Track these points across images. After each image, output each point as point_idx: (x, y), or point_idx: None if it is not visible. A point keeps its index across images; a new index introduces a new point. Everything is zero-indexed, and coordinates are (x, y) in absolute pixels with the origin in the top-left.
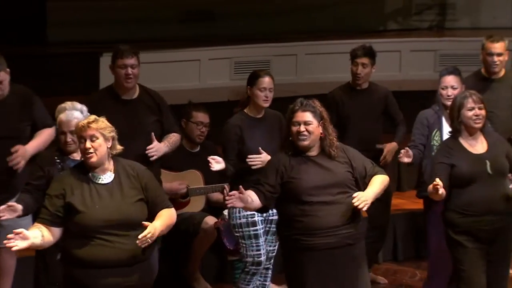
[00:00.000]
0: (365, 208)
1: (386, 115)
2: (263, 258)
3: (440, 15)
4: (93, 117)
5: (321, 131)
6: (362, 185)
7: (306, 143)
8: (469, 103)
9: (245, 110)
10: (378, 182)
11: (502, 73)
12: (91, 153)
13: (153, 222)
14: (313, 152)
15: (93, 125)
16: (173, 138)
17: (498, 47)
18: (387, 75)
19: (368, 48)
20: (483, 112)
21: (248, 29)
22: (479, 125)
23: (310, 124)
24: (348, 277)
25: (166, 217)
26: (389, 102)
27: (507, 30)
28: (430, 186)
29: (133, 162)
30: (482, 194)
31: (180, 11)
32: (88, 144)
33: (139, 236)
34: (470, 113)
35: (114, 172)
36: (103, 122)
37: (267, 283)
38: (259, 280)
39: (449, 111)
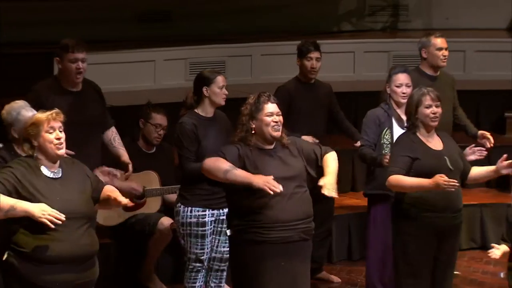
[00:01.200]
0: (336, 195)
1: (329, 111)
2: (205, 256)
3: (393, 16)
4: (54, 110)
5: None
6: (315, 169)
7: (279, 133)
8: (427, 100)
9: (195, 111)
10: (332, 162)
11: (439, 71)
12: (62, 143)
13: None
14: (271, 145)
15: (60, 115)
16: (118, 139)
17: (445, 42)
18: (341, 75)
19: (316, 42)
20: (439, 110)
21: (204, 29)
22: (436, 123)
23: (279, 115)
24: (301, 271)
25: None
26: (333, 97)
27: (458, 31)
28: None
29: (73, 159)
30: (442, 191)
31: (135, 11)
32: (60, 134)
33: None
34: (427, 111)
35: (61, 166)
36: (59, 112)
37: (222, 285)
38: (214, 282)
39: (406, 107)
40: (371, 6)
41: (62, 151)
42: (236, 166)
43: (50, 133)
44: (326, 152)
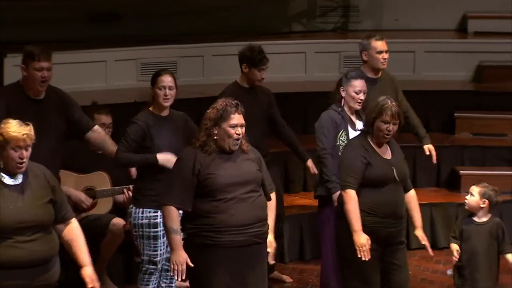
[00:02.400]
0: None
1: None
2: (159, 258)
3: (344, 17)
4: (28, 127)
5: None
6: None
7: (237, 147)
8: (387, 116)
9: (150, 109)
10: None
11: (380, 72)
12: (24, 162)
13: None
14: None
15: (31, 135)
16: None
17: (385, 44)
18: (292, 76)
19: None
20: (395, 128)
21: (155, 30)
22: (386, 140)
23: (243, 126)
24: (253, 276)
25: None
26: (274, 101)
27: (408, 32)
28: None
29: (37, 164)
30: (388, 197)
31: (86, 12)
32: (25, 153)
33: None
34: (383, 126)
35: (25, 173)
36: (31, 130)
37: (172, 285)
38: (165, 283)
39: (367, 113)
40: (322, 7)
41: (22, 170)
42: (190, 172)
43: (16, 151)
44: (270, 192)
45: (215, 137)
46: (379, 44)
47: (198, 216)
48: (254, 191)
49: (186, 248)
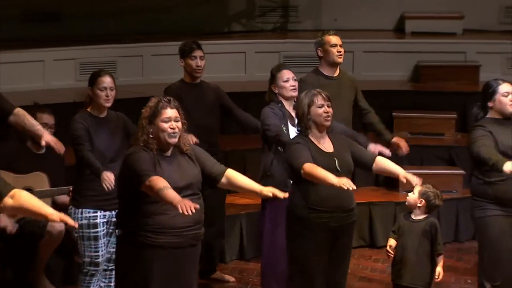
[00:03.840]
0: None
1: (222, 109)
2: (101, 259)
3: (283, 17)
4: None
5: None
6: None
7: (175, 140)
8: (319, 100)
9: (88, 110)
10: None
11: (337, 72)
12: None
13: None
14: (168, 152)
15: None
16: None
17: (338, 39)
18: (233, 76)
19: (197, 41)
20: (331, 110)
21: (94, 30)
22: (329, 123)
23: (178, 121)
24: (188, 277)
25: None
26: (223, 93)
27: (347, 32)
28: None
29: None
30: (332, 191)
31: (23, 11)
32: None
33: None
34: (320, 110)
35: None
36: None
37: (111, 285)
38: (104, 282)
39: (296, 109)
40: (261, 7)
41: None
42: (150, 156)
43: None
44: (224, 170)
45: (151, 135)
46: (333, 38)
47: (138, 215)
48: (194, 194)
49: (123, 246)
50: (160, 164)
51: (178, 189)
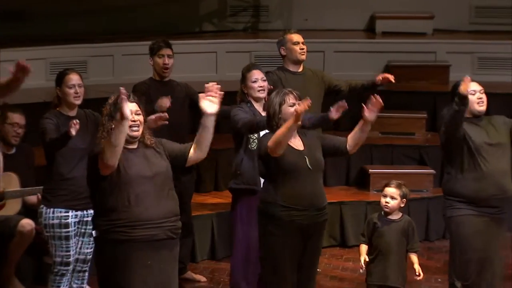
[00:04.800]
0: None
1: (192, 106)
2: (72, 259)
3: (254, 17)
4: None
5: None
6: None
7: (138, 133)
8: (291, 99)
9: (58, 109)
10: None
11: (301, 68)
12: None
13: None
14: (133, 145)
15: None
16: None
17: (300, 37)
18: (204, 76)
19: (167, 40)
20: None
21: (64, 29)
22: (300, 122)
23: (139, 114)
24: (168, 271)
25: None
26: (193, 90)
27: (317, 32)
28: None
29: None
30: (304, 189)
31: None
32: None
33: None
34: (291, 109)
35: None
36: None
37: (84, 286)
38: (76, 283)
39: (268, 108)
40: (232, 7)
41: None
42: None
43: None
44: (190, 144)
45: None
46: (294, 36)
47: (110, 212)
48: (166, 185)
49: (100, 246)
50: (127, 157)
51: (147, 179)
